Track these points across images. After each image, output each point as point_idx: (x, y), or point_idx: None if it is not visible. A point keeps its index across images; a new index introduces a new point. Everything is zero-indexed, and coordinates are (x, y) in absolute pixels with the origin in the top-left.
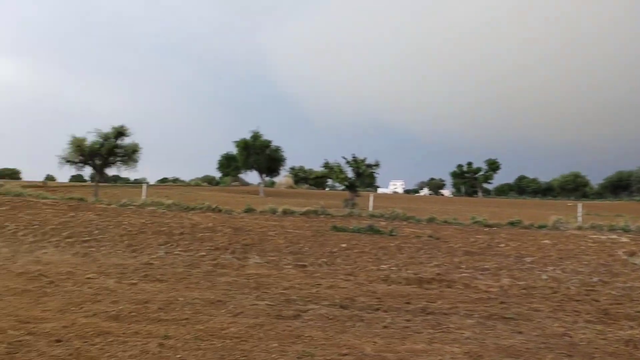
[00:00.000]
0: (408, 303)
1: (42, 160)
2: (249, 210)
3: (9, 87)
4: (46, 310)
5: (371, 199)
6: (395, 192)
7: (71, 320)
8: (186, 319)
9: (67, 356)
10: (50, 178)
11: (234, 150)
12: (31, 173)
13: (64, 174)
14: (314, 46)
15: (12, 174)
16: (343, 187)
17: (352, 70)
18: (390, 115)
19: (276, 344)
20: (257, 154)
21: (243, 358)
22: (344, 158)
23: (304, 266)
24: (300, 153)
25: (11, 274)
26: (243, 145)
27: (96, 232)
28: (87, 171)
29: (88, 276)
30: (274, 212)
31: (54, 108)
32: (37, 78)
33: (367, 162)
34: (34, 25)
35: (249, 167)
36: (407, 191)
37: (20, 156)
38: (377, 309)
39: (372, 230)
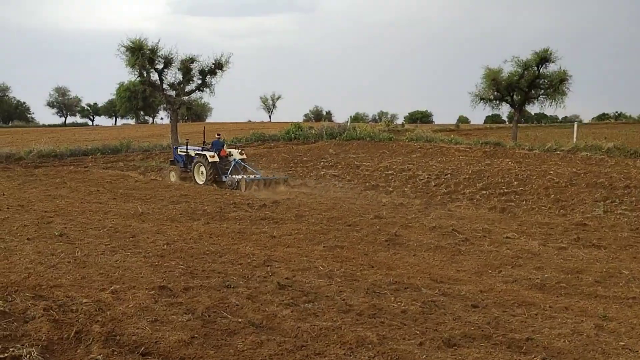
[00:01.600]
0: None
1: (454, 100)
2: None
3: (418, 20)
4: (460, 271)
5: None
6: None
7: (488, 284)
8: (632, 297)
9: (484, 324)
10: (462, 120)
11: None
12: (443, 115)
13: (477, 115)
14: None
15: (423, 117)
16: None
17: None
18: None
19: None
20: None
21: None
22: None
23: None
24: None
25: (424, 228)
26: None
27: (515, 183)
28: (504, 109)
29: (507, 235)
30: None
31: (468, 39)
32: (448, 4)
33: None
34: None
35: None
36: None
37: (431, 97)
38: None
39: None
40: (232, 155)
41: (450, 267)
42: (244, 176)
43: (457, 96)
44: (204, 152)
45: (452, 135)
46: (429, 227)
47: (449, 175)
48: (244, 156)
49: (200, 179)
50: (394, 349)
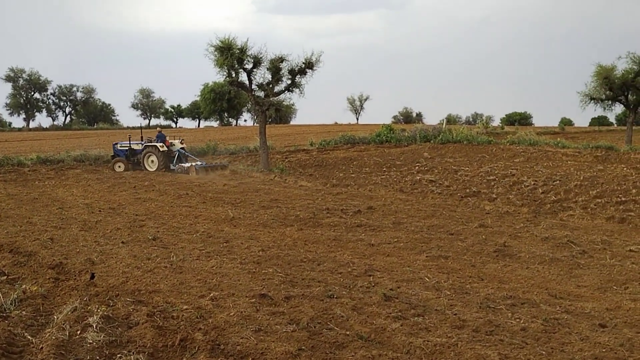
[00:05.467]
0: None
1: (555, 101)
2: None
3: (513, 15)
4: (581, 286)
5: None
6: None
7: (615, 302)
8: None
9: (617, 346)
10: (565, 122)
11: None
12: (543, 117)
13: (582, 117)
14: None
15: (522, 119)
16: None
17: None
18: None
19: None
20: None
21: None
22: None
23: None
24: None
25: (535, 239)
26: None
27: (634, 191)
28: (616, 110)
29: (630, 248)
30: None
31: (567, 34)
32: None
33: None
34: None
35: None
36: None
37: (528, 97)
38: None
39: None
40: (174, 145)
41: (569, 281)
42: (193, 164)
43: (558, 96)
44: (154, 144)
45: (557, 139)
46: (540, 238)
47: (557, 182)
48: (184, 145)
49: (151, 167)
50: None
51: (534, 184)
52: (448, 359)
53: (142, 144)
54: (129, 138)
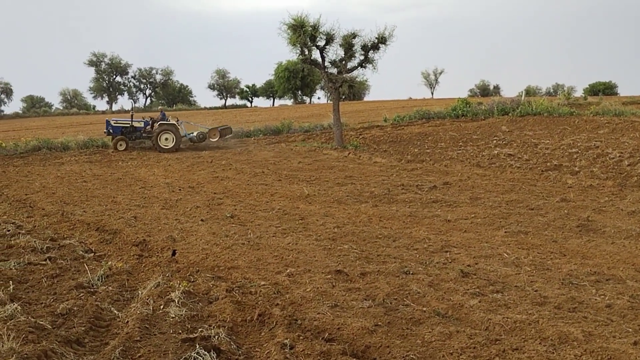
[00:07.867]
0: None
1: None
2: None
3: None
4: None
5: None
6: None
7: None
8: None
9: None
10: None
11: None
12: (629, 86)
13: None
14: None
15: (607, 89)
16: None
17: None
18: None
19: None
20: None
21: None
22: None
23: None
24: None
25: (620, 213)
26: None
27: None
28: None
29: None
30: None
31: None
32: None
33: None
34: None
35: None
36: None
37: (613, 66)
38: None
39: None
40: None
41: None
42: (212, 128)
43: None
44: (171, 123)
45: None
46: (626, 212)
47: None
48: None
49: (166, 145)
50: (604, 347)
51: (619, 156)
52: (529, 335)
53: (144, 122)
54: (132, 116)
